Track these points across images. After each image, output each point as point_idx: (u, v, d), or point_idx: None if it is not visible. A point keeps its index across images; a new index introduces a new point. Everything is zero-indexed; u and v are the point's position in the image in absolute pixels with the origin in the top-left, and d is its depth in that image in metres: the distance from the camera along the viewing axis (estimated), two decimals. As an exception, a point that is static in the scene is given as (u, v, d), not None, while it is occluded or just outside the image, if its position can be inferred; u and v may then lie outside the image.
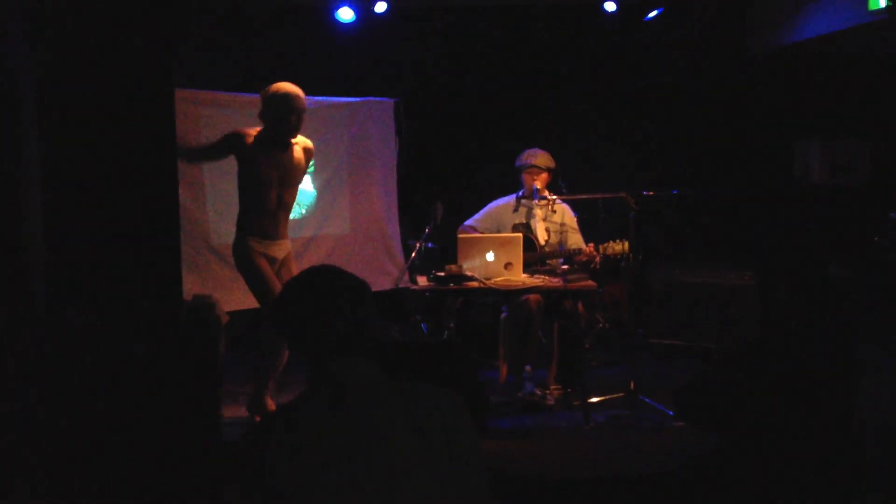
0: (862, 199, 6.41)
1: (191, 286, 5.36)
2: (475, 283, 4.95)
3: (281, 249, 4.83)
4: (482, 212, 5.72)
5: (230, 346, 4.51)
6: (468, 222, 5.69)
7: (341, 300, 1.83)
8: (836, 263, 6.09)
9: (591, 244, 5.36)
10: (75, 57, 3.10)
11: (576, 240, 5.56)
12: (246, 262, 4.69)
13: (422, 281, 5.18)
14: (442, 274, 5.02)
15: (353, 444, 1.70)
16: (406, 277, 6.41)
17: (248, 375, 5.85)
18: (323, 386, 1.80)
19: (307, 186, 7.04)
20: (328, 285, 1.85)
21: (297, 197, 5.12)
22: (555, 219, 5.62)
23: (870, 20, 5.95)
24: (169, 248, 3.34)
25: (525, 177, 5.55)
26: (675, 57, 7.58)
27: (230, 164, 6.72)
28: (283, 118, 4.68)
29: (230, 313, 4.87)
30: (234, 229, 6.33)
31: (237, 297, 6.06)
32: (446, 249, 5.84)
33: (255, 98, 6.77)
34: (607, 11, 6.74)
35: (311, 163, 5.56)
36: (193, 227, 6.27)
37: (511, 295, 5.12)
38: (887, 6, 5.62)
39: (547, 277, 5.12)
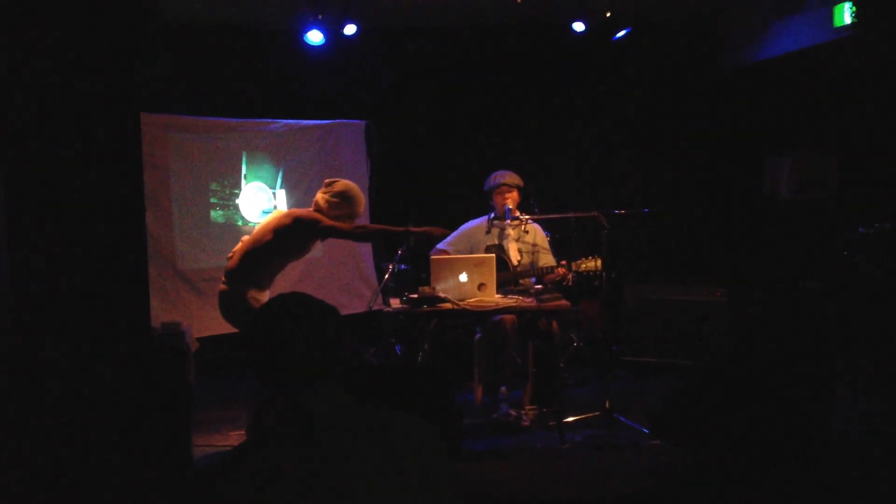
0: (831, 213, 6.47)
1: (158, 311, 5.32)
2: (449, 305, 4.92)
3: (266, 296, 4.82)
4: (455, 234, 5.70)
5: (200, 373, 4.44)
6: (441, 245, 5.66)
7: (309, 328, 1.81)
8: (807, 278, 6.13)
9: (564, 262, 5.36)
10: (40, 80, 3.06)
11: (547, 260, 5.56)
12: (248, 312, 4.57)
13: (395, 303, 5.14)
14: (415, 296, 4.99)
15: (325, 474, 1.67)
16: (379, 300, 6.39)
17: (218, 401, 5.79)
18: (294, 415, 1.76)
19: (282, 209, 7.01)
20: (296, 313, 1.82)
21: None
22: (527, 239, 5.61)
23: (836, 37, 6.03)
24: (136, 273, 3.29)
25: (496, 197, 5.54)
26: (646, 76, 7.64)
27: (195, 185, 6.69)
28: (355, 215, 4.86)
29: (199, 339, 4.82)
30: (200, 254, 6.26)
31: (206, 323, 6.02)
32: (419, 271, 5.82)
33: (225, 122, 6.80)
34: (576, 32, 6.78)
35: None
36: (160, 251, 6.25)
37: (485, 316, 5.10)
38: (852, 22, 5.70)
39: (520, 297, 5.10)
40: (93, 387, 3.12)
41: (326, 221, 4.73)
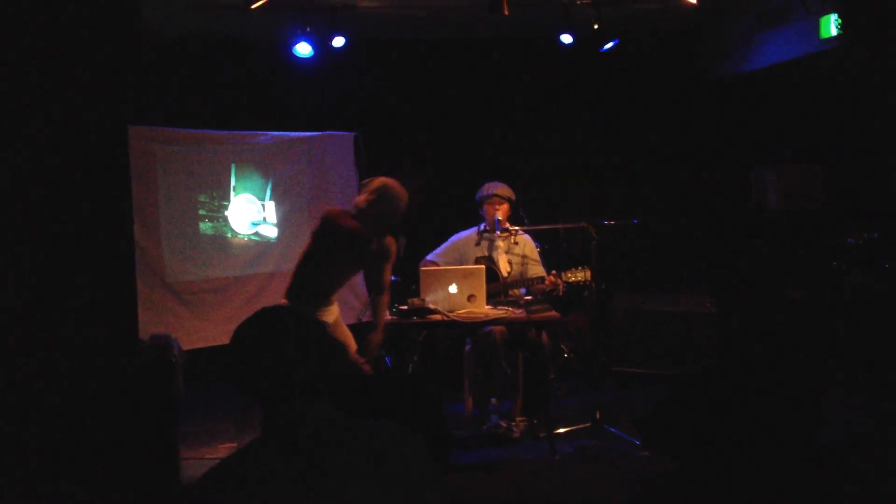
0: (818, 224, 6.50)
1: (146, 323, 5.28)
2: (438, 316, 4.92)
3: (331, 313, 4.67)
4: (444, 245, 5.70)
5: (188, 385, 4.41)
6: (430, 256, 5.66)
7: (295, 341, 1.79)
8: (795, 288, 6.15)
9: (554, 272, 5.36)
10: (25, 91, 3.04)
11: (536, 271, 5.55)
12: None
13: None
14: (405, 307, 4.99)
15: (312, 486, 1.66)
16: (369, 311, 6.36)
17: (207, 414, 5.75)
18: (279, 429, 1.75)
19: (271, 221, 7.01)
20: (281, 326, 1.81)
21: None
22: (517, 250, 5.61)
23: (822, 48, 6.07)
24: (124, 286, 3.27)
25: (487, 208, 5.54)
26: (633, 87, 7.67)
27: (184, 198, 6.67)
28: (396, 212, 4.56)
29: (188, 351, 4.80)
30: (188, 266, 6.19)
31: (194, 335, 5.99)
32: (409, 283, 5.81)
33: (213, 134, 6.79)
34: (564, 43, 6.80)
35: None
36: (148, 264, 6.22)
37: (474, 327, 5.10)
38: (838, 33, 5.74)
39: (510, 309, 5.10)
40: (80, 398, 3.10)
41: (342, 220, 4.45)
